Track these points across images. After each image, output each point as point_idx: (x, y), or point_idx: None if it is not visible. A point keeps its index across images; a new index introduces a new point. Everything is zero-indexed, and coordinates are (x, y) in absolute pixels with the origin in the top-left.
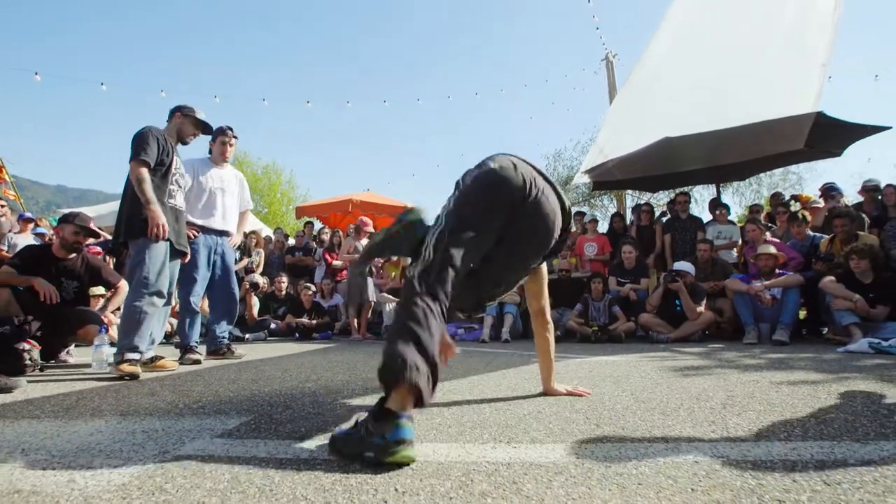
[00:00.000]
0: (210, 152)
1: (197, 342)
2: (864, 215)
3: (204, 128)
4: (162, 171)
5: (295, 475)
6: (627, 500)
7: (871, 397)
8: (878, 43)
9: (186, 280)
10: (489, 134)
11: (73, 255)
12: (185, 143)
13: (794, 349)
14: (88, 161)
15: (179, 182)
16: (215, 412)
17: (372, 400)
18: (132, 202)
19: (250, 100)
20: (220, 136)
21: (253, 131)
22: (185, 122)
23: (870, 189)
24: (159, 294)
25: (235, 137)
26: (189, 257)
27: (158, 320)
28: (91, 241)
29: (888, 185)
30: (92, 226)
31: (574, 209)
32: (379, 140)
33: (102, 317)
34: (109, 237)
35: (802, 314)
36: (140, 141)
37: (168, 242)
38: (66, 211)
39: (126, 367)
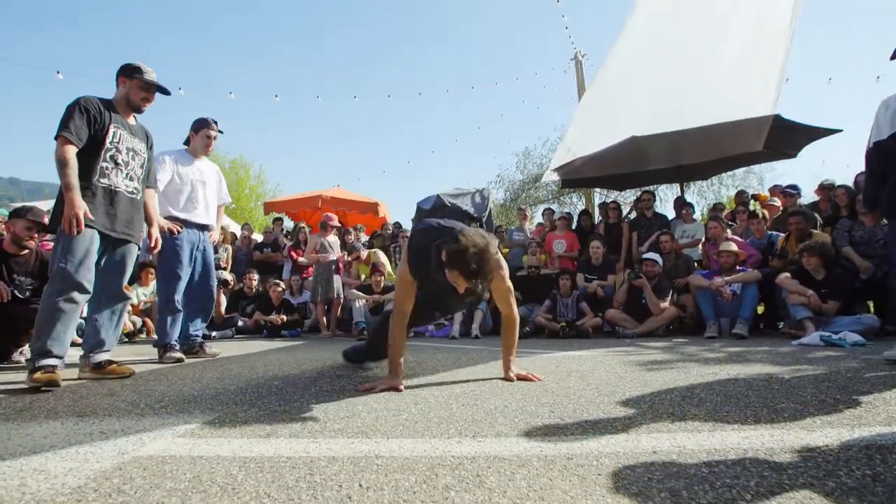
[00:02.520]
0: (187, 143)
1: (177, 341)
2: (816, 215)
3: (157, 89)
4: (93, 148)
5: (258, 473)
6: (587, 490)
7: (820, 388)
8: (832, 49)
9: (170, 276)
10: (460, 131)
11: (26, 251)
12: (138, 110)
13: (752, 343)
14: (43, 153)
15: (118, 159)
16: (178, 411)
17: (340, 396)
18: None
19: (216, 93)
20: (205, 128)
21: (223, 125)
22: (133, 86)
23: (826, 188)
24: (80, 288)
25: (220, 132)
26: (172, 251)
27: (110, 321)
28: (48, 237)
29: (840, 186)
30: (46, 220)
31: (543, 206)
32: (349, 136)
33: None
34: None
35: (761, 309)
36: (65, 115)
37: (93, 231)
38: (19, 205)
39: (40, 377)
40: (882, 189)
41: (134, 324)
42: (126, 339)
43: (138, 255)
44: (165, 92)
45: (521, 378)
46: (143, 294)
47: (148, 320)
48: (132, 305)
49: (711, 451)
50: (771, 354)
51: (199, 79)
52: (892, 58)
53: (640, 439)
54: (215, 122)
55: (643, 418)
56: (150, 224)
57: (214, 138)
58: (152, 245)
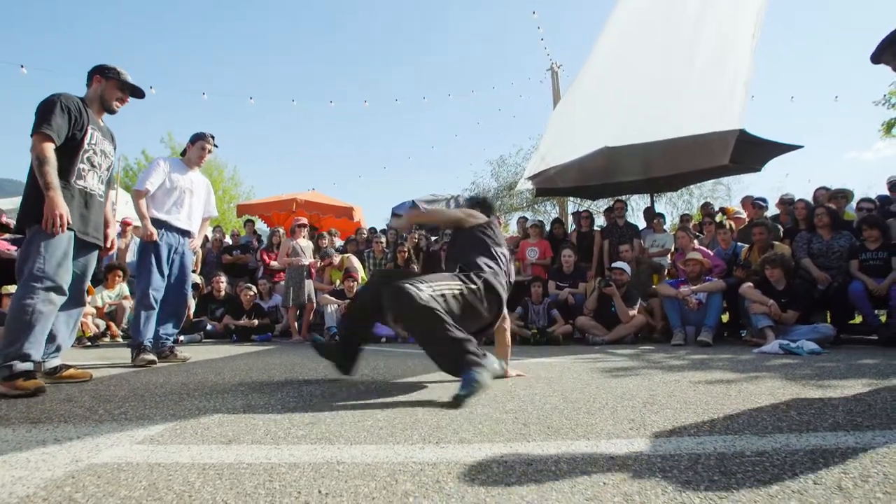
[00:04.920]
0: (183, 153)
1: (151, 341)
2: (779, 226)
3: (132, 90)
4: (71, 148)
5: (217, 480)
6: (542, 495)
7: (775, 394)
8: (794, 68)
9: (145, 272)
10: (437, 138)
11: None
12: (111, 111)
13: (716, 350)
14: (4, 149)
15: (93, 161)
16: (138, 417)
17: (306, 402)
18: (34, 183)
19: (189, 93)
20: (201, 140)
21: (192, 126)
22: (108, 86)
23: (786, 202)
24: (58, 290)
25: (216, 146)
26: (152, 247)
27: (66, 325)
28: (7, 236)
29: (799, 200)
30: (4, 219)
31: (518, 214)
32: (325, 141)
33: None
34: None
35: (725, 317)
36: (45, 111)
37: (71, 232)
38: None
39: (24, 384)
40: None
41: (98, 326)
42: (89, 343)
43: (104, 259)
44: (140, 94)
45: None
46: (108, 297)
47: (112, 324)
48: (96, 308)
49: (667, 456)
50: (732, 362)
51: (171, 78)
52: (873, 61)
53: (600, 445)
54: (212, 137)
55: (604, 424)
56: (106, 226)
57: (209, 151)
58: (108, 245)
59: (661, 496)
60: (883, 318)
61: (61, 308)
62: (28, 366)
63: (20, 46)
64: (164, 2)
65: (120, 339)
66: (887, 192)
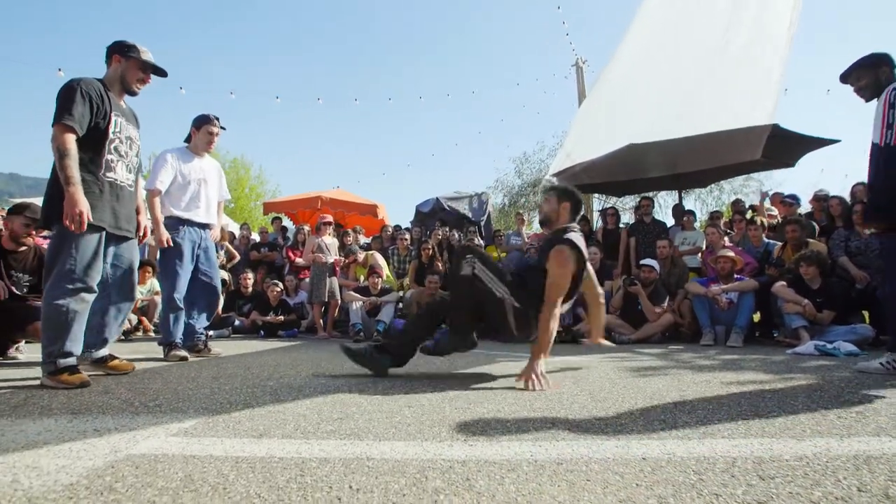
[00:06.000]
0: (187, 140)
1: (181, 339)
2: (814, 223)
3: (154, 70)
4: (96, 138)
5: (250, 474)
6: (574, 496)
7: (812, 397)
8: (830, 60)
9: (170, 274)
10: (459, 135)
11: (24, 247)
12: (132, 93)
13: (747, 351)
14: (44, 149)
15: (121, 150)
16: (172, 410)
17: (334, 398)
18: (57, 178)
19: (217, 93)
20: (207, 124)
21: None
22: (130, 66)
23: (820, 198)
24: (88, 289)
25: (223, 128)
26: (174, 249)
27: (115, 319)
28: (45, 232)
29: (833, 197)
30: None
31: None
32: (350, 138)
33: None
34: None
35: (757, 317)
36: (65, 99)
37: (101, 232)
38: (18, 201)
39: (69, 378)
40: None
41: (130, 321)
42: (123, 337)
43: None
44: (163, 73)
45: (527, 378)
46: (139, 292)
47: (144, 318)
48: None
49: (701, 458)
50: (765, 363)
51: (200, 78)
52: (841, 80)
53: (631, 445)
54: (217, 119)
55: (634, 424)
56: (137, 213)
57: (217, 135)
58: (141, 234)
59: (696, 499)
60: None
61: (112, 302)
62: (71, 361)
63: (57, 50)
64: (184, 2)
65: (152, 334)
66: None
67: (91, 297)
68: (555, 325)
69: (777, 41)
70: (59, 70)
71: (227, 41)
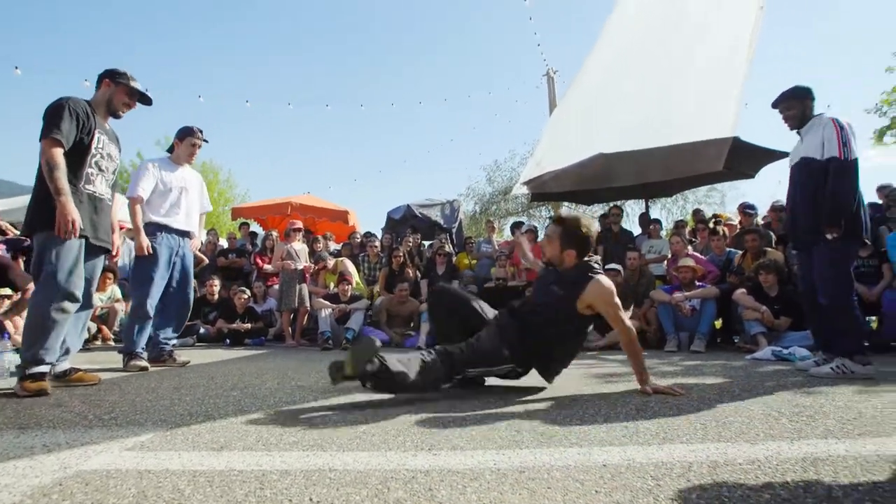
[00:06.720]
0: (170, 150)
1: (145, 348)
2: (771, 233)
3: (141, 97)
4: (79, 152)
5: (207, 488)
6: (535, 503)
7: (767, 401)
8: (788, 77)
9: (143, 280)
10: (432, 142)
11: None
12: (117, 116)
13: (709, 357)
14: (0, 149)
15: (101, 165)
16: (128, 423)
17: (299, 408)
18: (42, 188)
19: (184, 95)
20: (190, 136)
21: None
22: (118, 91)
23: (777, 209)
24: (71, 297)
25: (205, 140)
26: (151, 255)
27: (75, 327)
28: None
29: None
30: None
31: (513, 219)
32: (320, 144)
33: (6, 321)
34: (19, 234)
35: (719, 324)
36: (53, 115)
37: (83, 239)
38: None
39: (30, 385)
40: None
41: (89, 329)
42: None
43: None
44: (148, 102)
45: (657, 391)
46: (99, 300)
47: (104, 327)
48: None
49: (659, 464)
50: (725, 368)
51: (166, 79)
52: (773, 106)
53: (592, 452)
54: (200, 131)
55: (598, 431)
56: (112, 230)
57: (199, 147)
58: (114, 252)
59: None
60: (874, 325)
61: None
62: (41, 368)
63: (14, 48)
64: (160, 1)
65: (112, 343)
66: (879, 200)
67: (73, 307)
68: (637, 347)
69: (737, 58)
70: (17, 68)
71: (195, 42)
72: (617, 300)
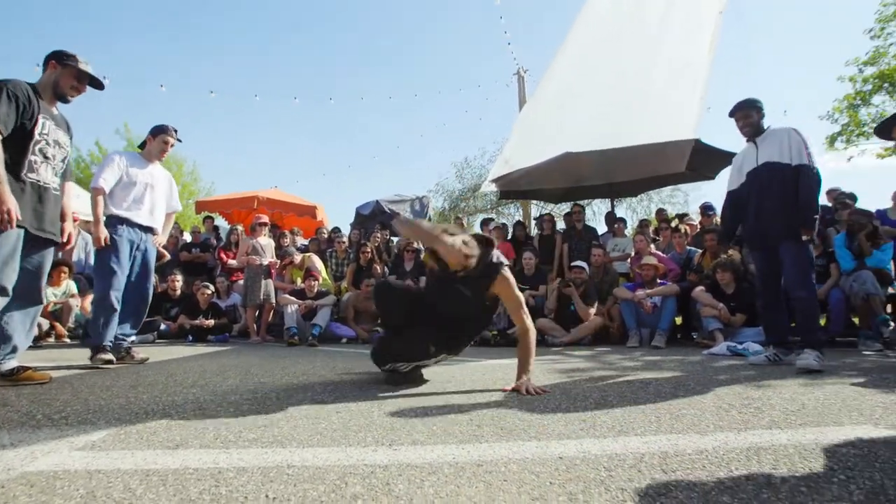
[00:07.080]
0: (142, 146)
1: (111, 342)
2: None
3: (91, 80)
4: (21, 138)
5: (160, 487)
6: (490, 496)
7: (719, 394)
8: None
9: (105, 272)
10: (402, 138)
11: None
12: (65, 100)
13: (668, 352)
14: None
15: (46, 152)
16: (79, 422)
17: (260, 405)
18: None
19: (147, 85)
20: (163, 134)
21: (149, 118)
22: (65, 73)
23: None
24: (2, 291)
25: (179, 140)
26: (111, 246)
27: (23, 324)
28: None
29: None
30: None
31: (482, 216)
32: (288, 137)
33: None
34: None
35: (679, 320)
36: None
37: (21, 230)
38: None
39: None
40: (735, 228)
41: (40, 326)
42: (31, 344)
43: (59, 254)
44: (99, 86)
45: (528, 392)
46: (53, 294)
47: (57, 324)
48: None
49: (612, 455)
50: (682, 363)
51: (127, 68)
52: (729, 115)
53: (550, 445)
54: (175, 131)
55: (556, 425)
56: (63, 220)
57: (171, 145)
58: (65, 240)
59: (603, 494)
60: (822, 322)
61: (17, 307)
62: None
63: None
64: None
65: (66, 340)
66: (828, 203)
67: (2, 301)
68: (530, 344)
69: (698, 63)
70: None
71: (157, 31)
72: (518, 294)
